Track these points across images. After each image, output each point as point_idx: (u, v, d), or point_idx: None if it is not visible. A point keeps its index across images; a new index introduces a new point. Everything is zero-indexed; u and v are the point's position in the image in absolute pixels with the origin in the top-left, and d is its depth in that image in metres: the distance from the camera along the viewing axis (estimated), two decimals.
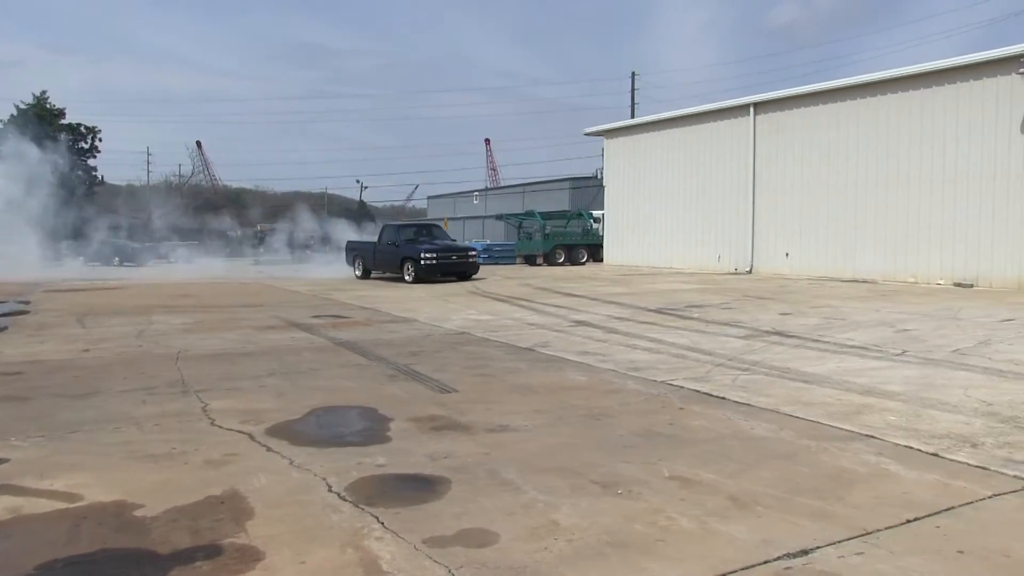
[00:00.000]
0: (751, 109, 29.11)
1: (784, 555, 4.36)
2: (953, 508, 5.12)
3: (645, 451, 6.42)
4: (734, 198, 30.09)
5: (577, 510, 5.08)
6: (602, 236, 39.13)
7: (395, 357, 11.05)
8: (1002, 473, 5.80)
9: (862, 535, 4.64)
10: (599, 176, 45.31)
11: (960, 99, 21.83)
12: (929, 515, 4.98)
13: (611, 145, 37.47)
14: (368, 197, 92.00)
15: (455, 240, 32.16)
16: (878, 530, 4.72)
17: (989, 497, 5.32)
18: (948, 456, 6.23)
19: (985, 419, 7.30)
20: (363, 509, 5.10)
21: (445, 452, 6.40)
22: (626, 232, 36.25)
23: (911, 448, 6.46)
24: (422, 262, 26.72)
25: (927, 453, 6.32)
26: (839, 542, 4.54)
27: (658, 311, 16.83)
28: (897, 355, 10.75)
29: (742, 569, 4.20)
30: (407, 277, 27.06)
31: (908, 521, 4.88)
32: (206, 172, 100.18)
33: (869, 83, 24.75)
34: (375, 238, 31.25)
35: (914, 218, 23.28)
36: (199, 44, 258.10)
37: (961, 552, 4.45)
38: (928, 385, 8.78)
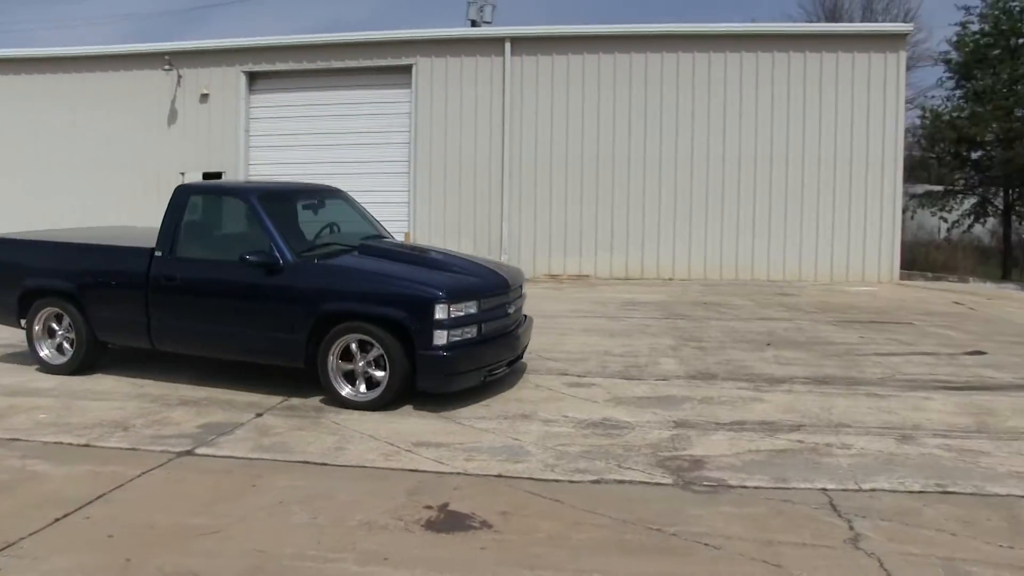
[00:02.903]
0: None
1: None
2: (104, 495, 5.37)
3: None
4: None
5: None
6: None
7: None
8: (151, 451, 6.27)
9: (4, 548, 4.54)
10: None
11: (121, 88, 22.20)
12: (79, 508, 5.14)
13: None
14: None
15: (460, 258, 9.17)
16: (22, 538, 4.68)
17: (139, 476, 5.72)
18: (100, 444, 6.47)
19: (137, 401, 7.65)
20: None
21: None
22: None
23: (62, 444, 6.52)
24: (445, 353, 7.29)
25: (79, 445, 6.47)
26: None
27: None
28: None
29: None
30: (351, 395, 7.51)
31: (57, 520, 4.95)
32: None
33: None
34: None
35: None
36: None
37: (111, 536, 4.72)
38: (79, 376, 8.79)
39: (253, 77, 20.96)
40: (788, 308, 13.64)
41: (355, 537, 4.62)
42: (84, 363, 8.81)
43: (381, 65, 19.82)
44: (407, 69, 19.60)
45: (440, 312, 7.23)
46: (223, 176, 20.97)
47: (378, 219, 10.00)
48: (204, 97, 21.06)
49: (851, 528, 4.77)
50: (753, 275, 18.07)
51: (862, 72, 17.81)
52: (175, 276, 8.19)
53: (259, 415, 7.19)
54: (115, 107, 22.11)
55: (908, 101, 21.78)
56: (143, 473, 5.73)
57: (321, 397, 7.63)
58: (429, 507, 5.06)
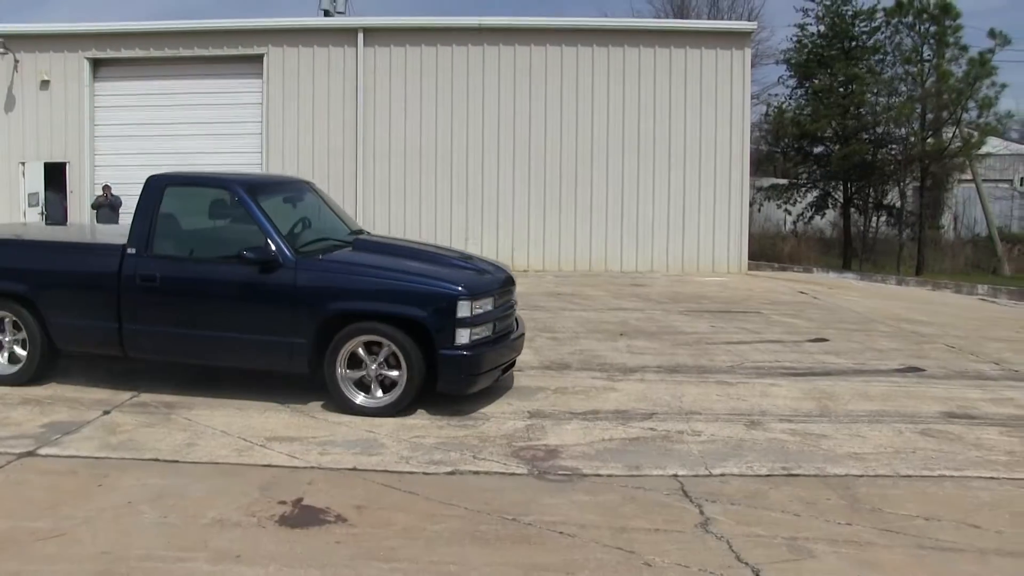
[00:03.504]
0: None
1: None
2: None
3: None
4: None
5: None
6: None
7: None
8: None
9: None
10: None
11: None
12: None
13: None
14: None
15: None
16: None
17: None
18: None
19: None
20: None
21: None
22: None
23: None
24: (467, 352, 6.88)
25: None
26: None
27: None
28: None
29: None
30: (365, 402, 6.97)
31: None
32: None
33: None
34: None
35: None
36: None
37: None
38: None
39: (97, 64, 20.09)
40: (641, 299, 14.02)
41: (207, 535, 4.50)
42: (38, 373, 7.75)
43: (232, 54, 19.37)
44: (258, 59, 19.21)
45: (463, 309, 6.79)
46: (67, 167, 20.05)
47: None
48: (44, 84, 20.04)
49: (701, 512, 4.94)
50: (607, 267, 18.50)
51: (710, 68, 18.47)
52: (154, 276, 7.26)
53: (107, 412, 6.90)
54: None
55: (754, 97, 22.68)
56: None
57: (170, 393, 7.41)
58: (283, 502, 4.97)
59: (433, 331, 6.76)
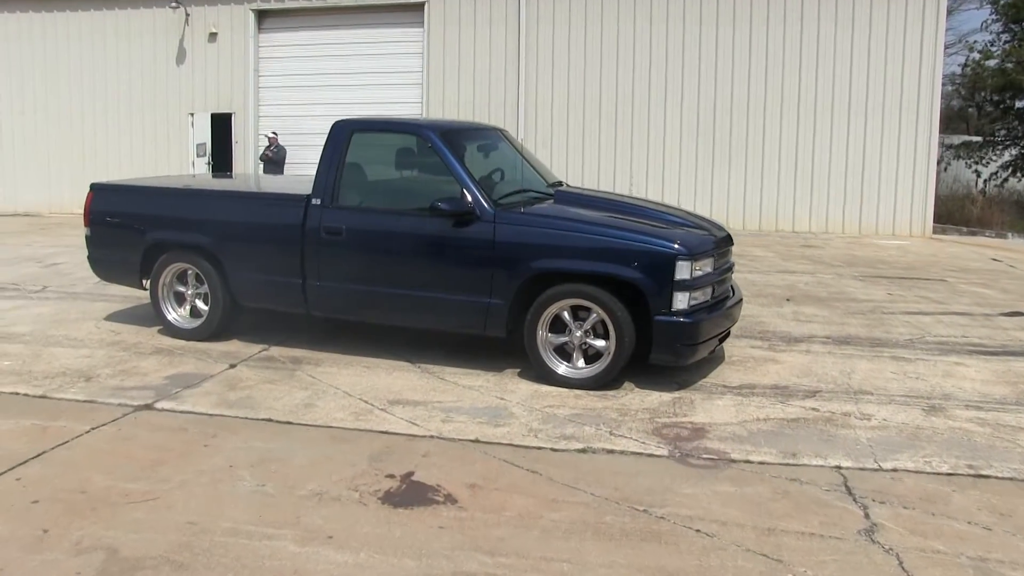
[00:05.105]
0: None
1: None
2: (44, 453, 4.93)
3: None
4: None
5: None
6: None
7: None
8: (107, 404, 5.82)
9: None
10: None
11: (129, 26, 21.72)
12: (13, 468, 4.70)
13: None
14: None
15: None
16: None
17: (86, 432, 5.27)
18: (57, 396, 6.03)
19: (109, 349, 7.21)
20: None
21: None
22: None
23: (18, 394, 6.08)
24: (685, 319, 6.11)
25: (35, 396, 6.02)
26: None
27: None
28: (36, 292, 10.13)
29: None
30: (568, 372, 6.39)
31: None
32: None
33: None
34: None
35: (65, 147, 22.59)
36: None
37: (36, 502, 4.29)
38: (60, 321, 8.37)
39: (262, 15, 20.35)
40: (812, 261, 13.00)
41: (301, 510, 4.12)
42: (220, 327, 7.53)
43: (392, 3, 19.21)
44: (419, 7, 18.96)
45: (682, 271, 6.04)
46: (232, 118, 20.46)
47: None
48: (212, 36, 20.48)
49: (867, 516, 4.18)
50: (777, 226, 17.40)
51: (898, 12, 16.89)
52: (340, 228, 6.85)
53: (232, 366, 6.71)
54: (123, 47, 21.64)
55: (948, 46, 20.77)
56: (92, 429, 5.27)
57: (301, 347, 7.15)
58: (391, 476, 4.54)
59: (648, 294, 6.07)
